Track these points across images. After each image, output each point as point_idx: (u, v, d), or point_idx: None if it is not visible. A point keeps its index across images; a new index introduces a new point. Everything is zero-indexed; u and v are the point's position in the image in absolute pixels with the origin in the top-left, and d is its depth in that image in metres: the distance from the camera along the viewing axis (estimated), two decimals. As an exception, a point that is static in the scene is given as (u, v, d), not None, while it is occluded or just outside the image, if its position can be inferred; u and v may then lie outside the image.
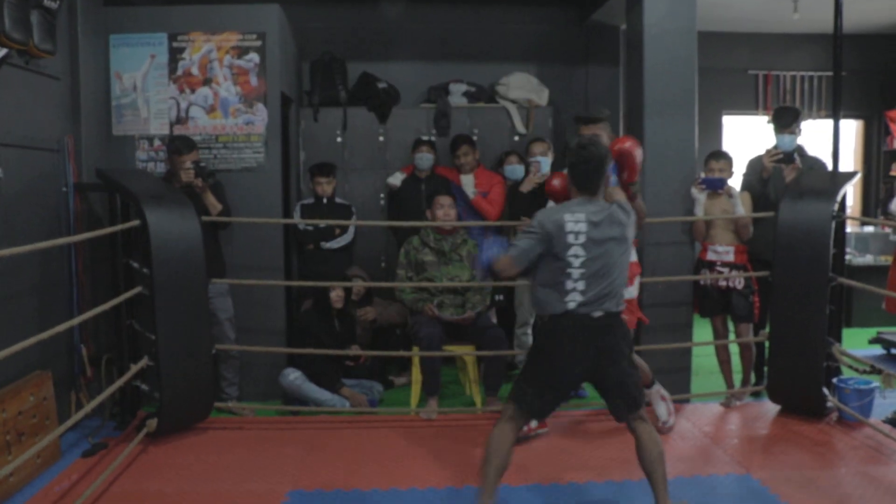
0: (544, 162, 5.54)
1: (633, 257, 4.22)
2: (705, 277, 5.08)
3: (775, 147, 5.12)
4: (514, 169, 5.81)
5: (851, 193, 7.92)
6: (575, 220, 3.17)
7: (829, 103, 8.33)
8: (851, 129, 8.70)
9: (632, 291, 4.23)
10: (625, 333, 3.29)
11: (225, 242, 5.17)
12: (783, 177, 5.03)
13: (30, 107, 4.33)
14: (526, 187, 5.49)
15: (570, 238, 3.15)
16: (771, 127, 5.23)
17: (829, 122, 5.11)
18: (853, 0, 5.64)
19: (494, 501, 3.20)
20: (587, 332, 3.16)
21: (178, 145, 4.91)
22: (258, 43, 5.24)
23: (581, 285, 3.15)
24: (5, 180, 3.99)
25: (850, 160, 8.67)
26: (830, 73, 7.47)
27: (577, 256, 3.15)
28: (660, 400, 4.63)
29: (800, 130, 5.20)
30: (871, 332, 6.59)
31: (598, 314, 3.16)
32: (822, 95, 8.52)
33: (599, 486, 3.82)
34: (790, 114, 5.21)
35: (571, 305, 3.15)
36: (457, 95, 6.56)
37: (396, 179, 5.98)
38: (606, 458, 4.17)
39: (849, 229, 6.99)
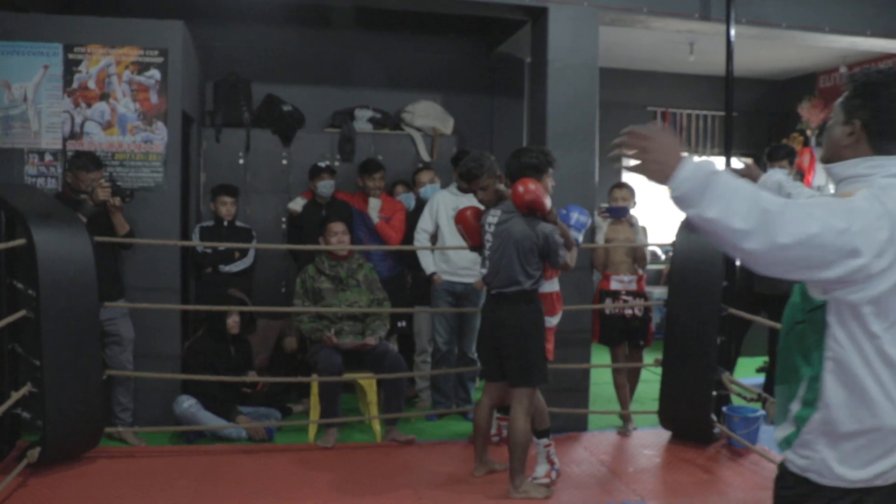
0: (431, 189, 5.67)
1: (556, 287, 4.38)
2: (614, 306, 5.19)
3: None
4: (407, 197, 5.93)
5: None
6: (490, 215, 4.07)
7: (719, 141, 8.75)
8: (739, 167, 9.11)
9: (550, 321, 4.28)
10: (521, 315, 3.95)
11: (122, 263, 4.97)
12: None
13: None
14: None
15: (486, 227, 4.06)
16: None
17: (721, 159, 5.34)
18: (744, 46, 5.94)
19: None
20: (487, 304, 4.12)
21: (84, 162, 4.71)
22: (160, 59, 5.10)
23: (486, 266, 4.06)
24: None
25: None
26: (721, 113, 7.86)
27: (488, 242, 4.03)
28: (545, 460, 4.26)
29: (790, 166, 5.51)
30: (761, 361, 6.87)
31: (493, 292, 4.02)
32: (714, 133, 8.92)
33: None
34: (783, 150, 5.56)
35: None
36: (362, 121, 6.54)
37: (297, 205, 5.88)
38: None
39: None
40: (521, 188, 3.88)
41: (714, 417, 4.85)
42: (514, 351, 3.97)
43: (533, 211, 3.92)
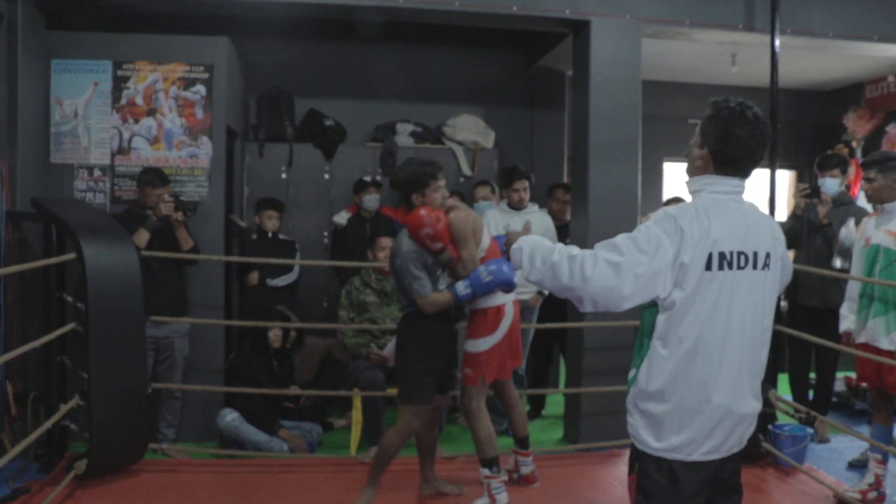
0: (485, 205, 5.65)
1: (501, 300, 4.02)
2: None
3: (804, 184, 5.31)
4: None
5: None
6: None
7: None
8: (784, 178, 8.99)
9: (476, 343, 4.02)
10: (401, 334, 3.92)
11: (185, 279, 5.04)
12: (816, 211, 5.23)
13: (-37, 132, 4.18)
14: None
15: None
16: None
17: (766, 172, 5.26)
18: (788, 57, 5.85)
19: None
20: None
21: (151, 177, 4.80)
22: (205, 75, 5.18)
23: None
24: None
25: (783, 208, 8.94)
26: (766, 125, 7.72)
27: None
28: (486, 494, 3.97)
29: (844, 175, 5.42)
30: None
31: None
32: (757, 146, 8.78)
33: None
34: (834, 159, 5.46)
35: None
36: (403, 135, 6.57)
37: (342, 218, 5.93)
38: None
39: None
40: (413, 222, 3.74)
41: (760, 436, 4.76)
42: (398, 369, 3.99)
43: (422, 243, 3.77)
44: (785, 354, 5.60)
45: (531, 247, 2.21)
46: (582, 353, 5.25)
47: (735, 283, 2.08)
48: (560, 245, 2.18)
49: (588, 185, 5.23)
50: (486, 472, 3.97)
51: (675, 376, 2.08)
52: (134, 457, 4.48)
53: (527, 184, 5.56)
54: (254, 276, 5.50)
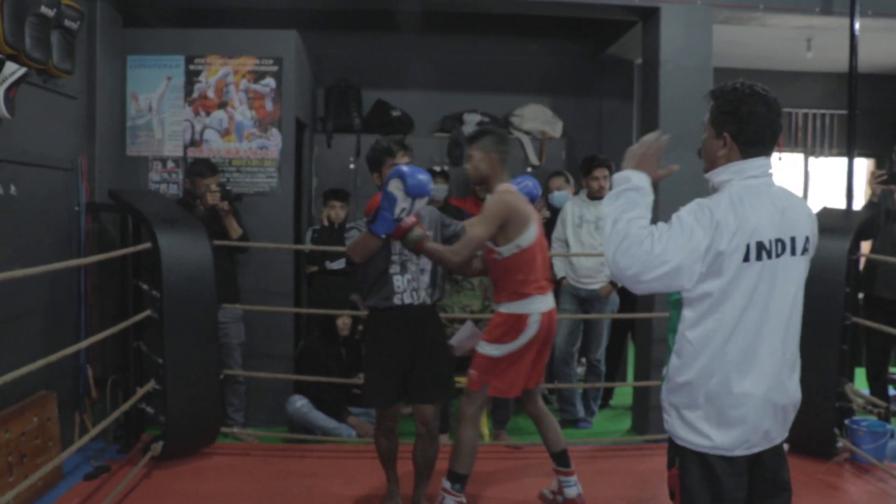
0: (559, 195, 5.58)
1: (526, 309, 3.60)
2: None
3: (880, 171, 5.16)
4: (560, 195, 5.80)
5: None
6: None
7: (838, 141, 8.34)
8: (861, 166, 8.69)
9: (486, 348, 3.65)
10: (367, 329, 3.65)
11: (236, 267, 5.14)
12: (894, 199, 5.08)
13: (46, 125, 4.33)
14: None
15: None
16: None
17: (842, 161, 5.10)
18: (867, 41, 5.65)
19: None
20: None
21: (199, 168, 4.91)
22: (275, 68, 5.26)
23: None
24: (18, 198, 3.99)
25: (860, 197, 8.65)
26: (841, 111, 7.50)
27: None
28: None
29: None
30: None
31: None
32: (833, 133, 8.52)
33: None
34: None
35: None
36: (471, 125, 6.55)
37: (410, 207, 5.95)
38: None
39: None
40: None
41: (836, 430, 4.62)
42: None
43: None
44: (861, 348, 5.42)
45: (631, 193, 2.10)
46: (651, 343, 5.19)
47: (773, 272, 2.05)
48: (647, 216, 2.07)
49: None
50: (447, 484, 3.60)
51: (707, 369, 2.04)
52: (207, 440, 4.60)
53: (607, 172, 5.42)
54: (312, 266, 5.61)
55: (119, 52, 5.17)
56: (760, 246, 2.02)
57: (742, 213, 2.01)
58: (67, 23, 4.21)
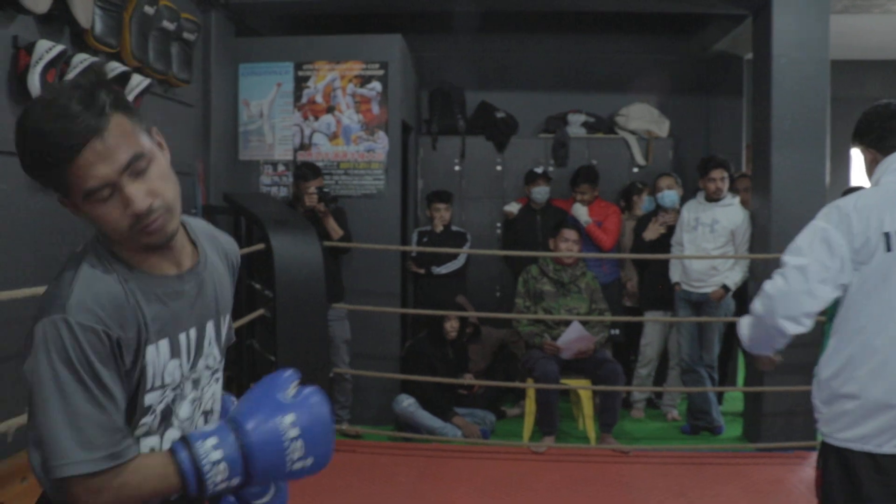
0: (668, 195, 5.45)
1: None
2: None
3: None
4: (648, 200, 5.77)
5: None
6: None
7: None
8: None
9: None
10: None
11: (344, 267, 5.24)
12: None
13: (167, 133, 4.46)
14: (650, 235, 5.40)
15: None
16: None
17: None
18: None
19: None
20: None
21: (303, 171, 5.03)
22: (381, 72, 5.34)
23: None
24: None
25: None
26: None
27: None
28: None
29: None
30: None
31: None
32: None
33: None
34: None
35: None
36: (575, 125, 6.50)
37: (513, 207, 5.96)
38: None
39: None
40: None
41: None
42: None
43: None
44: None
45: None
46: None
47: None
48: None
49: (771, 172, 4.95)
50: None
51: (850, 363, 2.06)
52: (317, 437, 4.69)
53: (725, 173, 5.21)
54: (415, 267, 5.67)
55: (232, 60, 5.35)
56: (887, 237, 2.06)
57: (870, 202, 2.12)
58: (186, 35, 4.39)
